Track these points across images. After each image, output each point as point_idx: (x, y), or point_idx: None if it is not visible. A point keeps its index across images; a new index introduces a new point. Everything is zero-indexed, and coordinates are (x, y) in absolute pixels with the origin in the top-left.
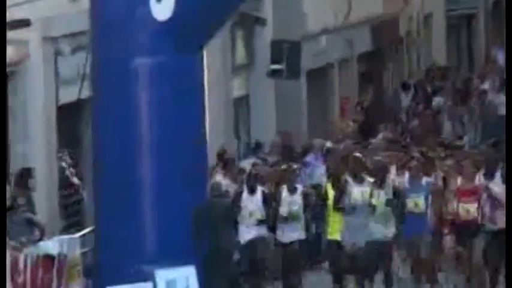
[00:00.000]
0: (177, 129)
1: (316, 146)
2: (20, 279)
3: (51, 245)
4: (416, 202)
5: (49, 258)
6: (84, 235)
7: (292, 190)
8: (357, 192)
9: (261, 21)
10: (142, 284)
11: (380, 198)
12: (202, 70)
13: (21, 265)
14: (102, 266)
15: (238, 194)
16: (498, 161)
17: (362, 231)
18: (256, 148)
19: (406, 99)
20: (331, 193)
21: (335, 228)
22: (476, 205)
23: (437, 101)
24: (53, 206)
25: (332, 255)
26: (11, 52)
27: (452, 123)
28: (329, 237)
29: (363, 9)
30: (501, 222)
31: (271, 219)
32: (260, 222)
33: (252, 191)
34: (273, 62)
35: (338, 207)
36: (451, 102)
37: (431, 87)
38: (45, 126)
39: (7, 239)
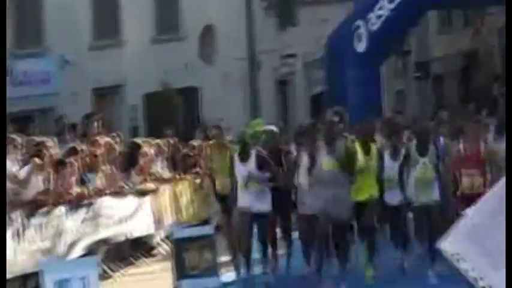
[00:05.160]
0: (365, 105)
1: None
2: None
3: None
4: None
5: None
6: None
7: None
8: (327, 161)
9: (407, 52)
10: None
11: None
12: (380, 75)
13: None
14: None
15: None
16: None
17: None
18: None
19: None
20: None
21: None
22: (480, 175)
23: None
24: None
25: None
26: (284, 71)
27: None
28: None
29: (461, 44)
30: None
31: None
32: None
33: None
34: (416, 71)
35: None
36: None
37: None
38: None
39: None
